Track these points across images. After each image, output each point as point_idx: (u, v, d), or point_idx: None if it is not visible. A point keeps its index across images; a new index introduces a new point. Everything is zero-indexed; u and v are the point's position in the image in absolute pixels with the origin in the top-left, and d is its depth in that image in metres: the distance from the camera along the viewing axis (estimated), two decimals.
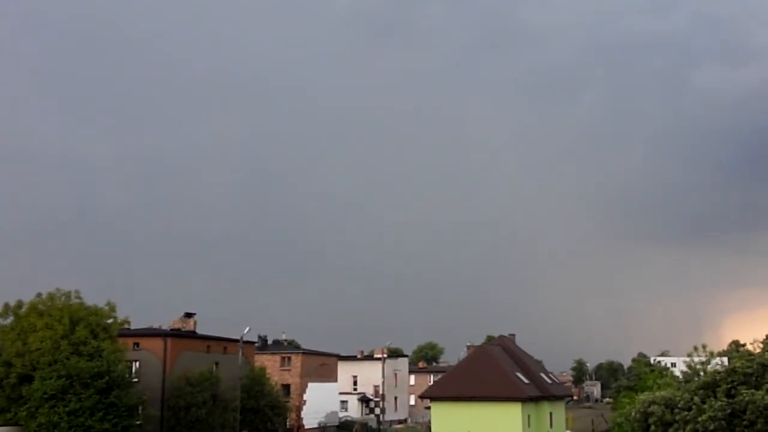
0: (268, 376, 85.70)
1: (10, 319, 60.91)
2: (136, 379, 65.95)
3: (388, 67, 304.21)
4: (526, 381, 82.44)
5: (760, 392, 31.62)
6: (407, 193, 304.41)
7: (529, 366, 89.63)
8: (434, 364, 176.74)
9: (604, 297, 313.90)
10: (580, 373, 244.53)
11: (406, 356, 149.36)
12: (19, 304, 61.48)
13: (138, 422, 61.37)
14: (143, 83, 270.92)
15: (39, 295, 62.06)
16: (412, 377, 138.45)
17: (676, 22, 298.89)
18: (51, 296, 62.00)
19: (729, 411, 31.72)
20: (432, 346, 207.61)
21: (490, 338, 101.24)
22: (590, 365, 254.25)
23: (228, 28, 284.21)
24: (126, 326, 67.83)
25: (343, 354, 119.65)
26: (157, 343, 71.39)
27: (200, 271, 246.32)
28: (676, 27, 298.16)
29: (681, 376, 41.85)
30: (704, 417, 31.95)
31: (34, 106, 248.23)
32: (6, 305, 61.45)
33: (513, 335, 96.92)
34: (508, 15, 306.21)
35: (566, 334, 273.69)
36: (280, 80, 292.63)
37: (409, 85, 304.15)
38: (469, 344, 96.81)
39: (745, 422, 31.14)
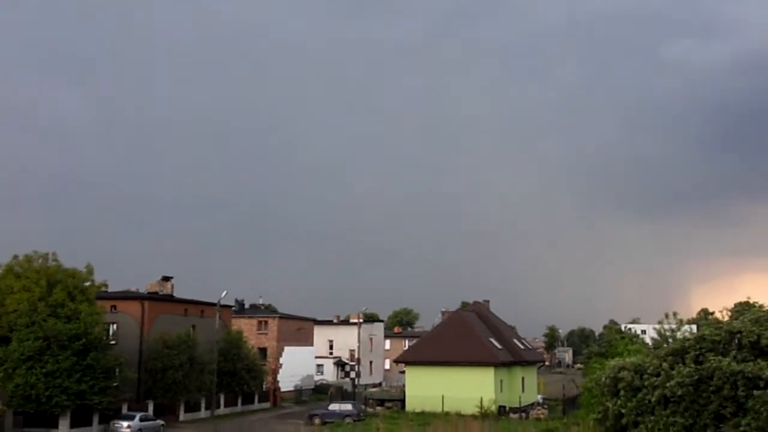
0: (244, 339, 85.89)
1: None
2: (113, 342, 65.86)
3: (363, 38, 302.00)
4: (499, 346, 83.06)
5: (726, 359, 31.80)
6: (384, 161, 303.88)
7: (503, 332, 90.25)
8: (409, 329, 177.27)
9: (576, 265, 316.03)
10: (552, 339, 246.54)
11: (381, 321, 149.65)
12: None
13: (115, 384, 61.21)
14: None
15: (16, 257, 61.66)
16: (388, 342, 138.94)
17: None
18: (28, 258, 61.61)
19: (696, 377, 31.87)
20: (407, 312, 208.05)
21: (464, 304, 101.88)
22: (562, 332, 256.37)
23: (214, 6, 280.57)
24: (104, 289, 67.51)
25: (319, 318, 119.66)
26: (134, 306, 71.36)
27: (178, 235, 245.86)
28: (649, 1, 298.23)
29: (651, 343, 42.15)
30: (672, 383, 32.11)
31: (14, 65, 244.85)
32: None
33: (487, 301, 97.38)
34: None
35: (539, 301, 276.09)
36: (257, 52, 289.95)
37: (384, 57, 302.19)
38: (443, 310, 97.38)
39: (711, 388, 31.32)
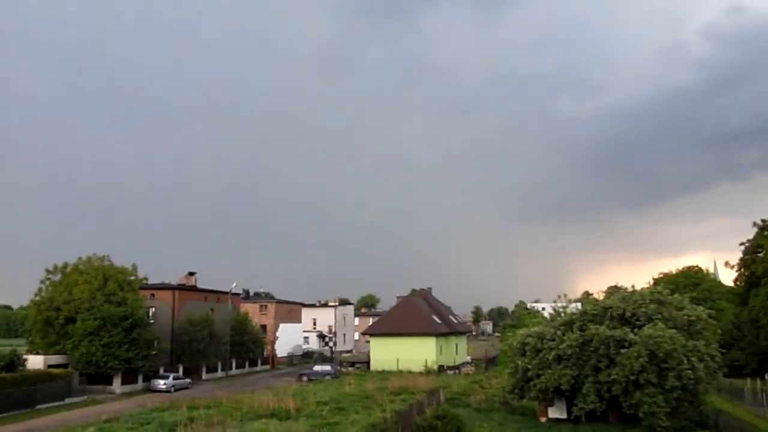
0: (250, 319, 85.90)
1: (59, 276, 60.27)
2: (152, 321, 65.86)
3: (336, 91, 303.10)
4: (439, 321, 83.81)
5: (602, 327, 32.66)
6: (357, 181, 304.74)
7: (441, 311, 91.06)
8: (373, 309, 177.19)
9: (495, 259, 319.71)
10: (477, 315, 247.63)
11: (352, 304, 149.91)
12: (65, 265, 60.75)
13: (154, 352, 61.18)
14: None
15: (80, 258, 61.51)
16: (357, 319, 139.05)
17: (544, 63, 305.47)
18: (89, 259, 61.39)
19: (581, 341, 32.68)
20: (371, 296, 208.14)
21: (413, 291, 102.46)
22: (485, 309, 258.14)
23: (219, 59, 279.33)
24: (145, 281, 67.14)
25: (306, 302, 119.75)
26: (167, 295, 71.22)
27: (201, 240, 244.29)
28: (544, 67, 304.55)
29: (548, 317, 42.86)
30: (564, 345, 32.88)
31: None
32: (55, 266, 60.72)
33: (430, 288, 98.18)
34: (427, 55, 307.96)
35: (468, 287, 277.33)
36: (259, 104, 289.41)
37: (351, 106, 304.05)
38: (398, 295, 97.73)
39: (591, 348, 32.18)
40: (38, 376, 48.16)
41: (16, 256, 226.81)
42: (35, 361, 53.66)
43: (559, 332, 34.33)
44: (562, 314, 37.73)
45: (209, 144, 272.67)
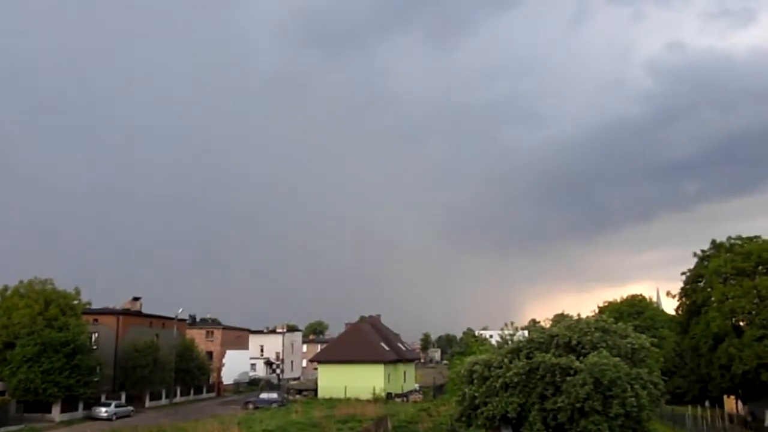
0: (196, 345, 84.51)
1: None
2: (95, 347, 64.38)
3: (287, 117, 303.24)
4: (387, 349, 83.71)
5: (548, 355, 32.94)
6: (306, 206, 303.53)
7: (390, 338, 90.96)
8: (321, 336, 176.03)
9: (444, 286, 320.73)
10: (426, 342, 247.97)
11: (300, 330, 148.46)
12: (5, 288, 59.14)
13: (96, 379, 59.76)
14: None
15: (21, 281, 59.93)
16: (305, 346, 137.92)
17: (492, 93, 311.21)
18: (30, 282, 59.78)
19: (528, 368, 32.83)
20: (320, 323, 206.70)
21: (362, 317, 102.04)
22: (433, 336, 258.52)
23: (170, 84, 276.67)
24: (88, 306, 65.75)
25: (253, 328, 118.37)
26: (111, 320, 69.89)
27: (147, 264, 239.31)
28: (492, 97, 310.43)
29: (496, 344, 43.14)
30: (511, 373, 32.99)
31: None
32: None
33: (379, 315, 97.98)
34: (379, 84, 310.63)
35: (417, 314, 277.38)
36: (207, 129, 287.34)
37: (303, 131, 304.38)
38: (347, 322, 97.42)
39: (538, 376, 32.38)
40: None
41: None
42: None
43: (506, 360, 34.44)
44: (510, 342, 37.94)
45: (156, 168, 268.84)
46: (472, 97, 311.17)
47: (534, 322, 56.50)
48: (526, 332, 39.74)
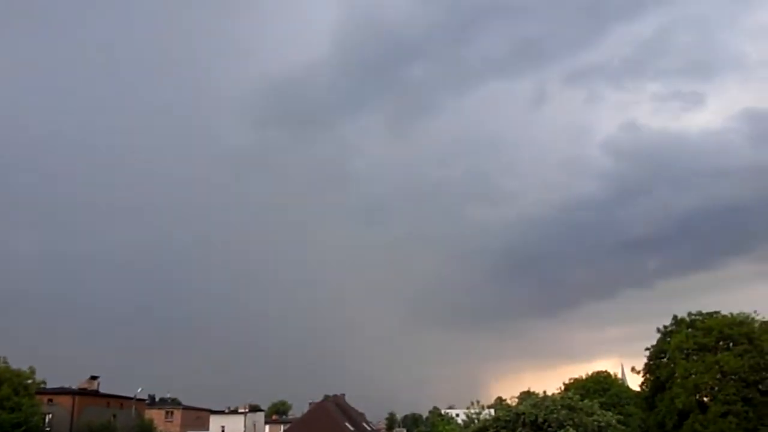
0: (155, 426, 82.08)
1: None
2: (48, 428, 62.46)
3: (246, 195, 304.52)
4: (352, 429, 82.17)
5: None
6: (268, 285, 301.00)
7: (355, 417, 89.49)
8: (284, 416, 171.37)
9: (409, 365, 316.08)
10: (391, 422, 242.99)
11: (262, 411, 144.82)
12: None
13: None
14: None
15: None
16: (267, 427, 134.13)
17: (455, 172, 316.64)
18: None
19: None
20: (283, 403, 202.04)
21: (326, 396, 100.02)
22: (399, 415, 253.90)
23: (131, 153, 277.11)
24: (42, 386, 63.80)
25: (214, 408, 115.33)
26: (67, 400, 67.91)
27: (104, 342, 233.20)
28: (455, 175, 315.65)
29: (462, 423, 42.75)
30: None
31: None
32: None
33: (343, 394, 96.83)
34: (342, 162, 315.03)
35: (382, 392, 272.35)
36: (166, 202, 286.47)
37: (264, 208, 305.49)
38: (310, 401, 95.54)
39: None
40: None
41: None
42: None
43: None
44: (476, 421, 37.73)
45: (115, 243, 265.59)
46: (435, 175, 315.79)
47: (500, 400, 56.06)
48: (492, 411, 39.54)
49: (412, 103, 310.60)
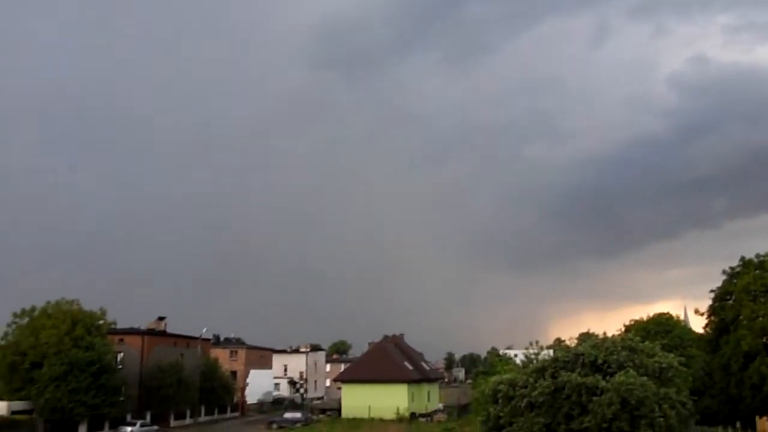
0: (220, 365, 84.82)
1: (26, 320, 59.29)
2: (120, 366, 64.84)
3: (311, 138, 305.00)
4: (410, 368, 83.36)
5: (574, 374, 32.63)
6: (324, 226, 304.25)
7: (413, 357, 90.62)
8: (344, 356, 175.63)
9: (468, 305, 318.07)
10: (450, 361, 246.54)
11: (323, 350, 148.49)
12: (33, 309, 59.83)
13: (121, 398, 60.25)
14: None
15: (48, 302, 60.63)
16: (328, 366, 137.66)
17: (514, 112, 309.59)
18: (57, 303, 60.49)
19: (553, 388, 32.57)
20: (343, 343, 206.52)
21: (386, 337, 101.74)
22: (457, 356, 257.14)
23: (204, 103, 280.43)
24: (113, 326, 66.36)
25: (276, 348, 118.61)
26: (136, 340, 70.33)
27: (171, 284, 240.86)
28: (514, 115, 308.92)
29: (520, 364, 42.73)
30: (536, 393, 32.75)
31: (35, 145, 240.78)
32: (23, 309, 59.80)
33: (402, 334, 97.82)
34: (400, 103, 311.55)
35: (440, 333, 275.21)
36: (230, 151, 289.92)
37: (322, 150, 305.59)
38: (370, 341, 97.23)
39: (563, 396, 32.12)
40: (1, 423, 47.10)
41: None
42: None
43: (531, 379, 34.18)
44: (535, 361, 37.66)
45: (182, 188, 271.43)
46: (493, 117, 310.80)
47: (559, 341, 55.66)
48: (551, 351, 39.39)
49: (470, 42, 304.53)
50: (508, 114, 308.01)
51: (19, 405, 54.14)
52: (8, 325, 59.18)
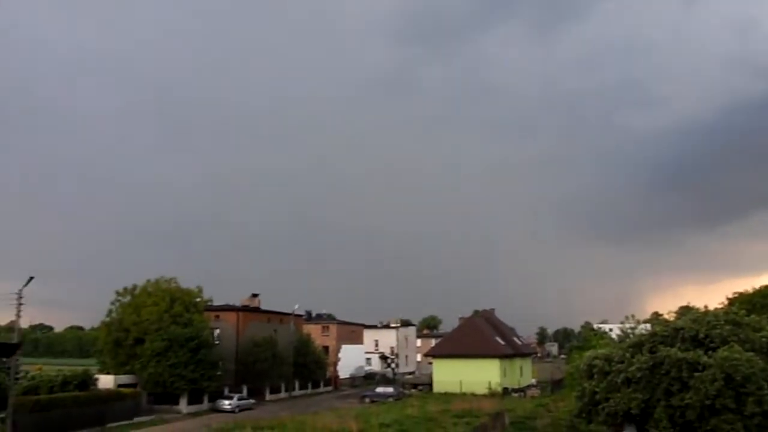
0: (312, 340, 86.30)
1: (128, 298, 61.93)
2: (217, 342, 66.77)
3: (396, 114, 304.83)
4: (502, 343, 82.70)
5: (673, 349, 31.54)
6: (413, 202, 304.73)
7: (505, 332, 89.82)
8: (435, 331, 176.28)
9: (560, 279, 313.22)
10: (542, 336, 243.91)
11: (414, 325, 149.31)
12: (134, 287, 62.44)
13: (219, 373, 62.12)
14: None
15: (149, 280, 63.11)
16: (419, 341, 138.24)
17: (603, 78, 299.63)
18: (157, 281, 62.93)
19: (651, 363, 31.60)
20: (433, 318, 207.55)
21: (476, 312, 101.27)
22: (550, 330, 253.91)
23: (287, 84, 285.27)
24: (210, 303, 68.65)
25: (367, 323, 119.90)
26: (232, 316, 72.32)
27: (264, 262, 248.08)
28: (603, 82, 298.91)
29: (616, 338, 41.66)
30: (633, 368, 31.87)
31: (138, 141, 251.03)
32: (125, 288, 62.54)
33: (493, 309, 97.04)
34: (482, 76, 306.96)
35: (533, 308, 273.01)
36: (320, 129, 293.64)
37: (407, 126, 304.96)
38: (460, 316, 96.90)
39: (662, 371, 31.07)
40: (109, 396, 49.51)
41: (87, 279, 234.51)
42: (106, 381, 55.23)
43: (627, 354, 33.21)
44: (631, 335, 36.66)
45: (274, 167, 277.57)
46: (582, 84, 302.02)
47: (657, 315, 53.90)
48: (648, 326, 38.20)
49: (555, 9, 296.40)
50: (598, 80, 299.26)
51: (124, 379, 56.82)
52: (112, 303, 62.06)
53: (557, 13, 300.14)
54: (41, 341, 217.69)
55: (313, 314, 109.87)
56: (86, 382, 52.29)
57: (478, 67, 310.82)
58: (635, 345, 34.14)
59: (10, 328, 57.86)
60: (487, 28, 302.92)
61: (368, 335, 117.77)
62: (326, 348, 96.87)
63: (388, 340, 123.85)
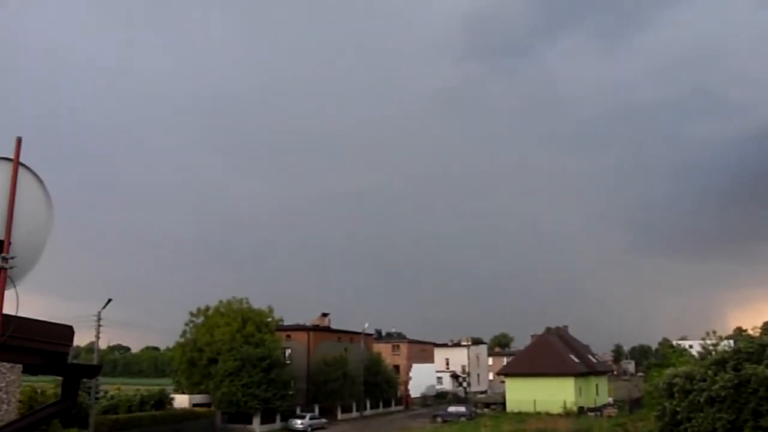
0: (383, 359, 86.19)
1: (201, 319, 63.25)
2: (288, 362, 67.39)
3: (459, 131, 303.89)
4: (577, 361, 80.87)
5: (760, 367, 30.26)
6: (483, 218, 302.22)
7: (579, 349, 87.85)
8: (506, 349, 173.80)
9: (635, 294, 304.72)
10: (618, 353, 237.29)
11: (485, 343, 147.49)
12: (207, 308, 63.85)
13: (291, 392, 62.65)
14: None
15: (221, 301, 64.45)
16: (490, 359, 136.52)
17: (674, 88, 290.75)
18: (229, 302, 64.17)
19: (736, 382, 30.37)
20: (504, 336, 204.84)
21: (548, 329, 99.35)
22: (626, 347, 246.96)
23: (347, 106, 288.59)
24: (280, 323, 69.45)
25: (438, 342, 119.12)
26: (302, 335, 72.90)
27: (333, 283, 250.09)
28: (674, 92, 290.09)
29: (697, 355, 40.09)
30: (716, 387, 30.70)
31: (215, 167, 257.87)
32: (198, 309, 64.02)
33: (566, 326, 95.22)
34: (549, 88, 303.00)
35: (608, 324, 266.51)
36: (389, 143, 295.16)
37: (474, 143, 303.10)
38: (533, 334, 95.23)
39: (749, 390, 29.80)
40: (184, 415, 50.51)
41: (162, 300, 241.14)
42: (181, 400, 56.36)
43: (710, 372, 31.94)
44: (713, 352, 35.17)
45: (343, 189, 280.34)
46: (652, 94, 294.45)
47: (740, 330, 51.67)
48: (731, 342, 36.60)
49: (621, 18, 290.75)
50: (668, 90, 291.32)
51: (199, 398, 57.91)
52: (186, 324, 63.54)
53: (620, 25, 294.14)
54: (119, 361, 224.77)
55: (383, 333, 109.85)
56: (162, 401, 53.48)
57: (541, 81, 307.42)
58: (718, 362, 32.82)
59: (90, 348, 59.75)
60: (548, 41, 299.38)
61: (439, 354, 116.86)
62: (397, 367, 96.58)
63: (459, 358, 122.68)
